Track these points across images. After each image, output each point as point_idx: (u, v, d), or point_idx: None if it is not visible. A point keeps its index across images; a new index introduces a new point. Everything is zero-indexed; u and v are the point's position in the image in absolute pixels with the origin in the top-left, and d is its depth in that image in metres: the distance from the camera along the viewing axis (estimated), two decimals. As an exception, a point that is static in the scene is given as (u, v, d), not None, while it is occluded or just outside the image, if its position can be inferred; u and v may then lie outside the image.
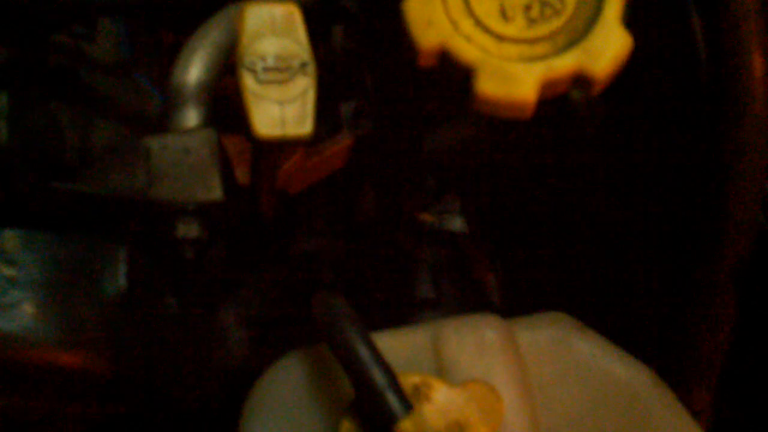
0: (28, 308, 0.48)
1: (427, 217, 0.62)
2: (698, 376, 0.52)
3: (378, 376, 0.42)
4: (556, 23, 0.43)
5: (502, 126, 0.57)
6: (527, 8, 0.43)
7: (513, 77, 0.41)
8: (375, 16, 0.57)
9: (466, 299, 0.60)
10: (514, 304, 0.61)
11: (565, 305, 0.49)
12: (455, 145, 0.60)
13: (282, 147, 0.47)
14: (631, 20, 0.43)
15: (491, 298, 0.61)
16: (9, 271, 0.48)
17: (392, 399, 0.42)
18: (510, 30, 0.43)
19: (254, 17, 0.46)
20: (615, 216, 0.58)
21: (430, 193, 0.62)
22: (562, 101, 0.52)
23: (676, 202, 0.52)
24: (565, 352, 0.47)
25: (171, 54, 0.53)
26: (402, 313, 0.60)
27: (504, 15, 0.43)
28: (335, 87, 0.58)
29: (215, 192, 0.49)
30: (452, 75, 0.42)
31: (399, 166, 0.60)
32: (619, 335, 0.48)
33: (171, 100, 0.51)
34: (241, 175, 0.54)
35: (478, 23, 0.43)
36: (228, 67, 0.52)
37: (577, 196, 0.59)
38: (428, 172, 0.61)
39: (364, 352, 0.43)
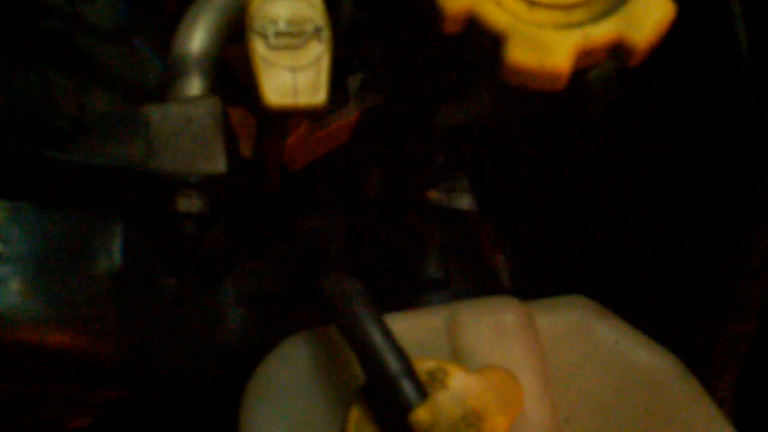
0: (15, 285, 0.46)
1: (434, 195, 0.60)
2: (723, 363, 0.50)
3: (392, 362, 0.41)
4: (592, -12, 0.40)
5: (517, 102, 0.55)
6: (561, -29, 0.40)
7: (546, 45, 0.38)
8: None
9: (475, 279, 0.58)
10: (524, 285, 0.59)
11: (578, 287, 0.47)
12: (466, 121, 0.58)
13: (293, 117, 0.45)
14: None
15: (500, 278, 0.60)
16: (-5, 246, 0.46)
17: (407, 386, 0.40)
18: (542, -5, 0.40)
19: (265, -22, 0.44)
20: (636, 198, 0.56)
21: (438, 171, 0.60)
22: (577, 77, 0.50)
23: (704, 184, 0.51)
24: (586, 337, 0.45)
25: (172, 19, 0.51)
26: (409, 292, 0.58)
27: (536, -21, 0.40)
28: (342, 58, 0.56)
29: (219, 164, 0.47)
30: (480, 42, 0.40)
31: (407, 141, 0.58)
32: (638, 320, 0.46)
33: (173, 68, 0.49)
34: (245, 148, 0.52)
35: (508, -13, 0.40)
36: (233, 35, 0.50)
37: (593, 176, 0.57)
38: (437, 149, 0.59)
39: (377, 336, 0.41)
